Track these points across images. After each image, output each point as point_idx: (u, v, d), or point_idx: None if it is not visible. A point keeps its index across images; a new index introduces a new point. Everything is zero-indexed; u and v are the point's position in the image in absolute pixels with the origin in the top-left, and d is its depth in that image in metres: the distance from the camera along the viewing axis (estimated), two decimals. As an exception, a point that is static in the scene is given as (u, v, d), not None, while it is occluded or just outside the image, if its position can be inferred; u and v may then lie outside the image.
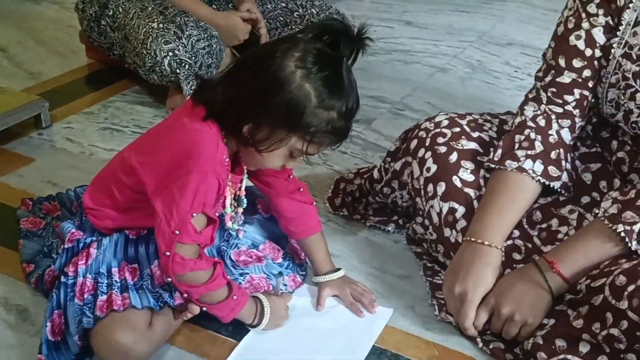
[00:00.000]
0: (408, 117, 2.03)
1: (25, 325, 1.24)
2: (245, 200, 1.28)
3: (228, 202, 1.22)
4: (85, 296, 1.13)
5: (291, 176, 1.32)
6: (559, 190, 1.29)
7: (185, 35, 1.87)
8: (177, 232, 1.07)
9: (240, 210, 1.28)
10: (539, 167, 1.26)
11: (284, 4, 2.25)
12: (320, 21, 1.07)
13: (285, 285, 1.33)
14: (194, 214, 1.08)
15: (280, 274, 1.31)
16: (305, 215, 1.33)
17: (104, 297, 1.13)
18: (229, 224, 1.26)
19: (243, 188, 1.27)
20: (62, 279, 1.16)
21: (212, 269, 1.12)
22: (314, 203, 1.37)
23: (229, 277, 1.18)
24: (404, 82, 2.26)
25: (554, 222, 1.28)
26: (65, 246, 1.23)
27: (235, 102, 1.08)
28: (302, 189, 1.33)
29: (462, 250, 1.26)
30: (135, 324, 1.12)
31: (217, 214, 1.18)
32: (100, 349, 1.11)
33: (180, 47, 1.86)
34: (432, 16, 2.85)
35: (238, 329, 1.24)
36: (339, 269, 1.34)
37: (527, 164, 1.25)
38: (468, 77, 2.34)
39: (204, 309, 1.15)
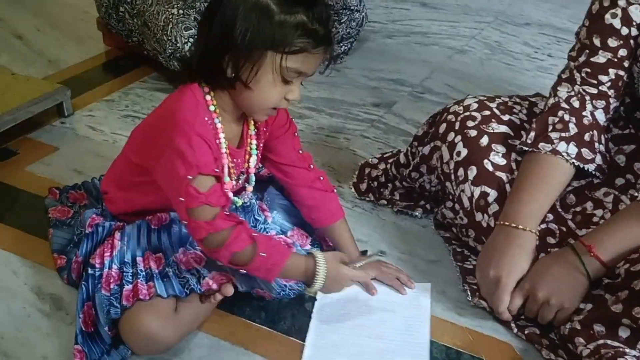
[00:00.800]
0: (428, 100, 2.02)
1: (60, 314, 1.24)
2: (253, 178, 1.26)
3: (226, 170, 1.18)
4: (112, 286, 1.13)
5: (311, 166, 1.31)
6: (593, 172, 1.27)
7: None
8: (182, 199, 1.07)
9: (250, 188, 1.26)
10: (573, 149, 1.24)
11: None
12: None
13: None
14: (189, 177, 1.06)
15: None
16: (327, 202, 1.32)
17: (130, 286, 1.13)
18: (230, 194, 1.20)
19: (252, 165, 1.24)
20: (90, 270, 1.16)
21: (231, 228, 1.09)
22: (336, 189, 1.36)
23: (255, 234, 1.14)
24: (422, 64, 2.24)
25: (589, 205, 1.26)
26: (86, 231, 1.23)
27: (206, 48, 1.08)
28: (322, 178, 1.32)
29: (495, 234, 1.25)
30: (161, 310, 1.11)
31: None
32: (129, 338, 1.11)
33: None
34: (448, -4, 2.83)
35: (271, 316, 1.23)
36: (365, 251, 1.34)
37: (561, 146, 1.24)
38: (487, 58, 2.31)
39: (243, 271, 1.13)
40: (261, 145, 1.26)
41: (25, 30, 2.42)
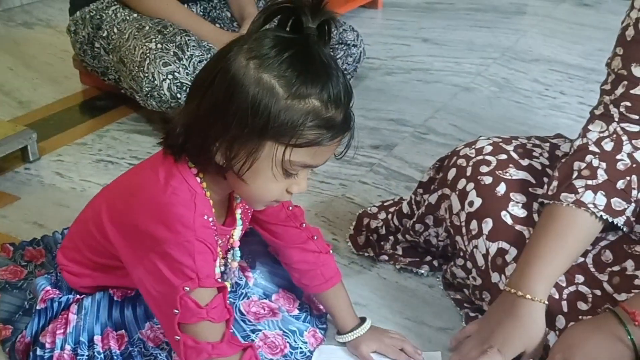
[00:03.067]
0: (433, 142, 1.95)
1: (0, 399, 1.10)
2: (239, 253, 1.14)
3: (218, 264, 1.07)
4: None
5: (304, 224, 1.19)
6: (621, 227, 1.14)
7: (186, 56, 1.78)
8: (176, 311, 0.93)
9: (235, 264, 1.15)
10: (601, 199, 1.11)
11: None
12: (265, 6, 0.90)
13: (305, 343, 1.19)
14: (187, 288, 0.93)
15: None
16: (321, 266, 1.19)
17: None
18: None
19: (236, 238, 1.12)
20: (39, 351, 1.05)
21: (240, 354, 0.98)
22: (331, 244, 1.27)
23: (237, 334, 1.05)
24: (425, 103, 2.19)
25: (629, 264, 1.13)
26: (38, 307, 1.10)
27: (194, 124, 0.92)
28: (315, 237, 1.19)
29: (498, 301, 1.14)
30: None
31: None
32: None
33: (180, 69, 1.76)
34: (450, 32, 2.81)
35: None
36: (363, 318, 1.21)
37: (587, 197, 1.11)
38: (495, 96, 2.26)
39: None
40: (249, 212, 1.13)
41: (-3, 70, 2.38)
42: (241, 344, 1.01)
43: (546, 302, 1.10)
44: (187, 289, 0.93)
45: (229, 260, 1.13)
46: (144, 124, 1.99)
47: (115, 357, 1.04)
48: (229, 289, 1.08)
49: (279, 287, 1.26)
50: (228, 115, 0.88)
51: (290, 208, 1.18)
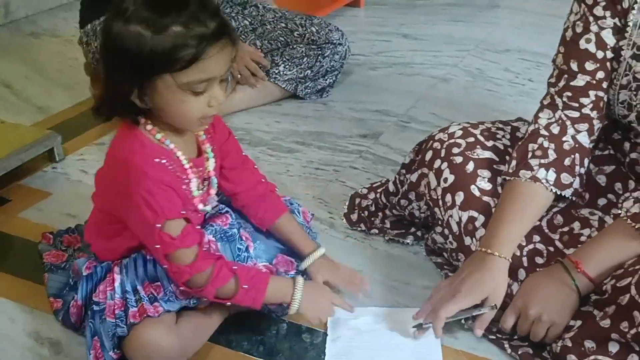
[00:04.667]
0: (414, 129, 2.04)
1: (59, 358, 1.25)
2: (215, 181, 1.24)
3: (194, 185, 1.18)
4: (117, 312, 1.14)
5: (255, 166, 1.34)
6: (570, 197, 1.29)
7: None
8: (157, 246, 1.08)
9: (213, 191, 1.24)
10: (552, 175, 1.26)
11: (283, 24, 2.27)
12: None
13: None
14: (158, 225, 1.08)
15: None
16: (269, 199, 1.32)
17: (135, 309, 1.14)
18: (200, 206, 1.22)
19: (211, 169, 1.23)
20: (95, 307, 1.17)
21: (212, 266, 1.11)
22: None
23: (234, 267, 1.15)
24: (407, 95, 2.27)
25: (576, 225, 1.28)
26: (85, 274, 1.23)
27: (110, 87, 1.07)
28: (263, 180, 1.34)
29: (470, 258, 1.27)
30: (163, 322, 1.13)
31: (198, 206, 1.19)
32: (134, 353, 1.13)
33: None
34: (429, 27, 2.86)
35: (269, 349, 1.25)
36: (318, 245, 1.34)
37: (541, 173, 1.26)
38: (470, 85, 2.34)
39: (228, 304, 1.15)
40: (215, 148, 1.25)
41: (13, 78, 2.43)
42: (213, 256, 1.12)
43: (510, 260, 1.23)
44: (159, 225, 1.07)
45: (207, 186, 1.22)
46: None
47: (158, 298, 1.14)
48: (209, 213, 1.23)
49: (278, 251, 1.33)
50: (120, 71, 1.02)
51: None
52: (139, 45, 1.00)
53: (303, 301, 1.18)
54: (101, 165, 1.22)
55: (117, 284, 1.18)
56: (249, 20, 2.23)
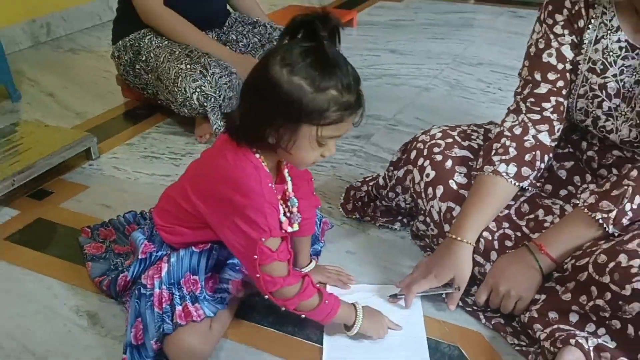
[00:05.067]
0: (402, 131, 2.04)
1: (97, 328, 1.25)
2: (295, 200, 1.20)
3: (281, 211, 1.15)
4: (164, 306, 1.12)
5: (312, 179, 1.32)
6: (527, 188, 1.28)
7: (209, 74, 1.87)
8: (256, 257, 1.06)
9: (295, 209, 1.20)
10: (512, 169, 1.25)
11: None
12: (288, 22, 1.00)
13: None
14: (263, 239, 1.05)
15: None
16: (310, 218, 1.32)
17: (180, 307, 1.12)
18: (288, 229, 1.17)
19: (290, 190, 1.19)
20: (142, 290, 1.15)
21: (301, 281, 1.10)
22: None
23: (318, 285, 1.15)
24: (394, 101, 2.26)
25: (540, 212, 1.28)
26: (140, 257, 1.20)
27: (249, 119, 1.03)
28: (314, 193, 1.33)
29: (442, 244, 1.27)
30: (201, 329, 1.12)
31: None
32: (174, 352, 1.11)
33: (206, 83, 1.86)
34: (412, 44, 2.85)
35: (278, 320, 1.25)
36: (311, 261, 1.36)
37: (501, 167, 1.25)
38: (448, 94, 2.34)
39: (303, 316, 1.14)
40: (290, 170, 1.21)
41: (54, 89, 2.43)
42: (300, 274, 1.11)
43: (474, 244, 1.23)
44: (263, 239, 1.04)
45: (290, 207, 1.18)
46: (177, 127, 2.07)
47: (198, 298, 1.13)
48: (293, 230, 1.18)
49: None
50: (272, 109, 0.99)
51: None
52: (299, 95, 0.97)
53: (363, 324, 1.18)
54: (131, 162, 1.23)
55: (164, 272, 1.15)
56: (258, 37, 2.22)
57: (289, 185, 1.19)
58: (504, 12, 3.30)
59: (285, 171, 1.19)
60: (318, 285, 1.16)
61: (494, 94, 2.33)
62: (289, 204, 1.19)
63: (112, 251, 1.38)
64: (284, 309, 1.12)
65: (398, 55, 2.72)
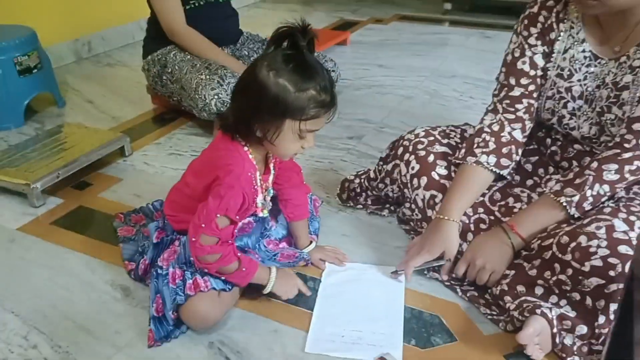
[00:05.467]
0: (388, 133, 2.00)
1: (129, 299, 1.21)
2: (271, 190, 1.19)
3: (260, 198, 1.14)
4: (177, 281, 1.09)
5: (301, 171, 1.29)
6: (506, 176, 1.25)
7: (225, 83, 1.82)
8: (203, 225, 1.02)
9: (268, 197, 1.19)
10: (492, 159, 1.22)
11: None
12: (273, 33, 0.99)
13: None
14: (218, 215, 1.02)
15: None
16: (304, 203, 1.29)
17: (190, 281, 1.09)
18: (260, 213, 1.16)
19: (270, 181, 1.18)
20: (159, 271, 1.11)
21: (223, 252, 1.06)
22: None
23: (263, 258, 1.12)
24: (382, 108, 2.22)
25: (510, 199, 1.24)
26: (154, 241, 1.18)
27: (240, 115, 1.02)
28: (304, 183, 1.30)
29: (430, 224, 1.24)
30: (209, 296, 1.09)
31: (251, 215, 1.12)
32: (188, 318, 1.08)
33: (222, 91, 1.81)
34: (396, 59, 2.81)
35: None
36: (311, 242, 1.31)
37: (483, 158, 1.22)
38: (427, 101, 2.29)
39: (222, 278, 1.09)
40: (276, 164, 1.19)
41: (94, 97, 2.38)
42: (227, 245, 1.04)
43: (459, 223, 1.20)
44: (218, 215, 1.02)
45: (265, 195, 1.17)
46: (198, 129, 2.03)
47: (204, 274, 1.09)
48: (263, 216, 1.18)
49: (286, 235, 1.32)
50: (260, 106, 0.98)
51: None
52: (284, 95, 0.97)
53: (275, 284, 1.14)
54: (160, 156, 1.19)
55: (177, 255, 1.13)
56: (259, 54, 2.17)
57: (271, 177, 1.18)
58: (474, 33, 3.24)
59: (272, 164, 1.17)
60: (257, 256, 1.15)
61: (466, 101, 2.28)
62: (265, 193, 1.16)
63: (142, 234, 1.34)
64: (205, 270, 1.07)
65: (385, 69, 2.68)
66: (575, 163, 1.24)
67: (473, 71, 2.61)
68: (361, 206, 1.52)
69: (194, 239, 1.03)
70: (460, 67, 2.68)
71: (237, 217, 1.07)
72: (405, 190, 1.35)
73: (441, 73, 2.61)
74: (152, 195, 1.55)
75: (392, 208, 1.49)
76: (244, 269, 1.09)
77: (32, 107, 2.20)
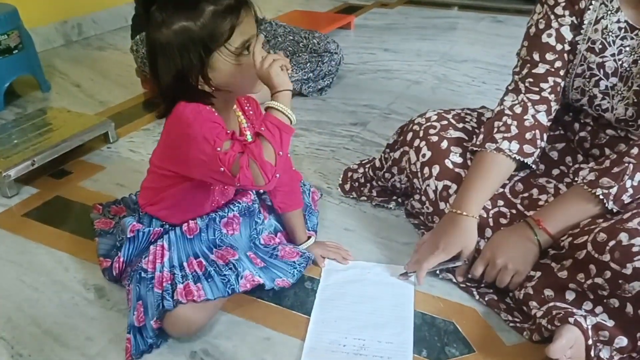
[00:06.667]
0: (395, 119, 1.88)
1: (102, 301, 1.09)
2: (249, 136, 1.07)
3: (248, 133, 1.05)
4: (164, 285, 0.97)
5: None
6: (530, 165, 1.12)
7: None
8: (222, 168, 0.88)
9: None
10: (515, 146, 1.09)
11: (291, 37, 2.12)
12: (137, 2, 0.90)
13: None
14: (219, 148, 0.88)
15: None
16: (295, 191, 1.17)
17: (181, 285, 0.97)
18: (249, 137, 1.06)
19: (245, 125, 1.07)
20: (143, 274, 0.99)
21: (251, 148, 0.89)
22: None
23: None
24: (388, 93, 2.11)
25: (534, 191, 1.11)
26: (128, 236, 1.06)
27: (174, 85, 0.90)
28: (293, 167, 1.19)
29: (443, 218, 1.11)
30: (201, 305, 0.96)
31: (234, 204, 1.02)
32: (168, 323, 0.96)
33: None
34: (403, 43, 2.70)
35: (277, 294, 1.09)
36: (310, 237, 1.20)
37: (504, 145, 1.09)
38: (437, 86, 2.18)
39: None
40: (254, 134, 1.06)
41: (82, 80, 2.27)
42: (241, 143, 0.91)
43: (477, 218, 1.08)
44: (219, 149, 0.88)
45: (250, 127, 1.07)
46: None
47: (200, 277, 0.99)
48: (257, 221, 1.10)
49: (282, 229, 1.21)
50: (182, 64, 0.88)
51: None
52: (190, 35, 0.87)
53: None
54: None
55: (166, 259, 1.01)
56: (264, 34, 2.06)
57: (242, 120, 1.07)
58: (485, 17, 3.14)
59: (248, 133, 1.06)
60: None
61: (479, 87, 2.16)
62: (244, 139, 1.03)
63: (120, 227, 1.21)
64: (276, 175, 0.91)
65: (391, 53, 2.56)
66: (607, 151, 1.11)
67: (485, 56, 2.49)
68: (365, 198, 1.40)
69: (237, 183, 0.88)
70: (471, 52, 2.56)
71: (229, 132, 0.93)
72: (415, 180, 1.22)
73: (451, 57, 2.50)
74: (136, 185, 1.37)
75: (399, 200, 1.37)
76: (280, 153, 0.91)
77: (14, 91, 2.09)
